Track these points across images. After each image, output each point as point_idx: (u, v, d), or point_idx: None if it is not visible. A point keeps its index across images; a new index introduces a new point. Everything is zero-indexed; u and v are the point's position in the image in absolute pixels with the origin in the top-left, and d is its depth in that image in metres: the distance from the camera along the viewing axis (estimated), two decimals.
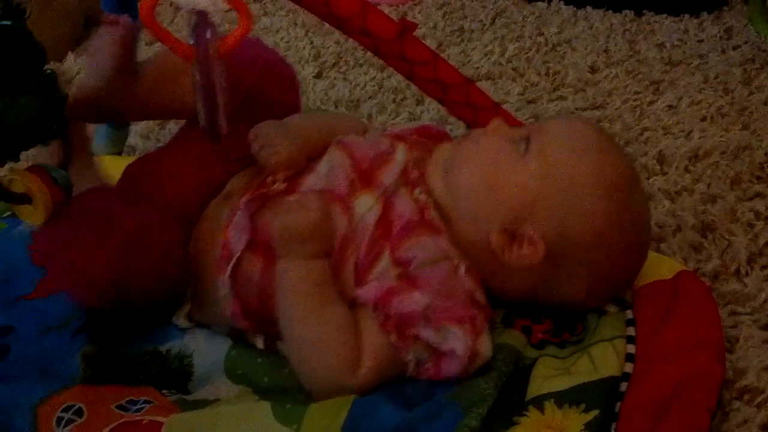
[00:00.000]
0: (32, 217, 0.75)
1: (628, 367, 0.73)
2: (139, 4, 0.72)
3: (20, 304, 0.86)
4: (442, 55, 1.46)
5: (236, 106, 0.79)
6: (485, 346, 0.73)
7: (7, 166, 0.74)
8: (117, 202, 0.82)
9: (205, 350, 0.79)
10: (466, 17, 1.72)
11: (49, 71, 0.73)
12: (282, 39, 1.62)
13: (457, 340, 0.71)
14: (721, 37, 1.54)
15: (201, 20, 0.76)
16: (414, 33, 0.80)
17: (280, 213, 0.76)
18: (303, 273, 0.74)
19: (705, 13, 1.66)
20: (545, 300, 0.79)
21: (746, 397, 0.72)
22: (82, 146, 0.90)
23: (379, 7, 1.66)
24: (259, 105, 0.86)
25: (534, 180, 0.75)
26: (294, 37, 1.62)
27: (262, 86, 0.87)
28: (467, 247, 0.76)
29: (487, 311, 0.76)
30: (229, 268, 0.78)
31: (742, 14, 1.63)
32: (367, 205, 0.77)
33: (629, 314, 0.79)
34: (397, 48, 0.79)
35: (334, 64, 1.49)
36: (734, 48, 1.50)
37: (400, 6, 1.80)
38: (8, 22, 0.67)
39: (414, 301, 0.72)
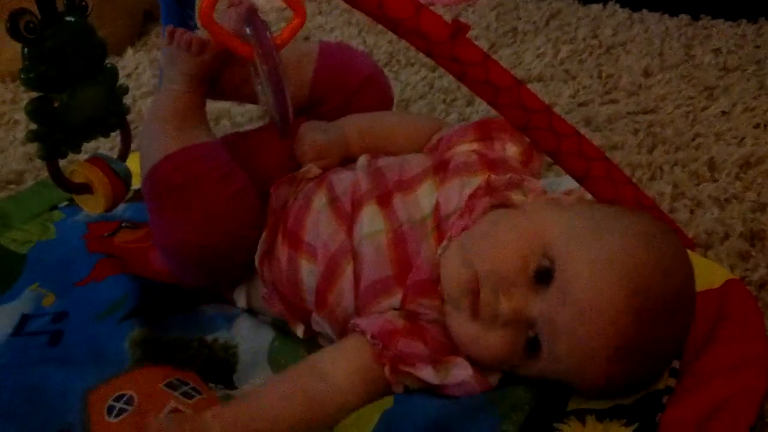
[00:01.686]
0: (92, 206, 0.78)
1: (672, 382, 0.72)
2: (199, 5, 0.75)
3: (75, 290, 0.89)
4: (494, 56, 1.47)
5: (336, 106, 0.86)
6: (494, 376, 0.72)
7: (68, 158, 0.76)
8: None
9: (250, 340, 0.81)
10: (520, 18, 1.72)
11: (110, 65, 0.75)
12: (336, 38, 1.64)
13: (461, 369, 0.71)
14: None
15: (253, 17, 0.78)
16: (467, 34, 0.80)
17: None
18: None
19: (763, 18, 1.62)
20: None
21: None
22: None
23: (432, 7, 1.68)
24: (354, 110, 0.90)
25: (544, 369, 0.70)
26: (347, 36, 1.64)
27: (362, 95, 0.92)
28: None
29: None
30: (257, 255, 0.81)
31: None
32: (371, 226, 0.76)
33: None
34: (449, 49, 0.79)
35: (386, 64, 1.50)
36: None
37: (454, 6, 1.81)
38: (72, 18, 0.70)
39: (416, 347, 0.72)
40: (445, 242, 0.74)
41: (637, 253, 0.67)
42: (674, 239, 0.72)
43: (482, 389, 0.72)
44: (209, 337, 0.81)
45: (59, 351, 0.80)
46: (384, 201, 0.77)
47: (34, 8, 0.67)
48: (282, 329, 0.82)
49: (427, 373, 0.71)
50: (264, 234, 0.81)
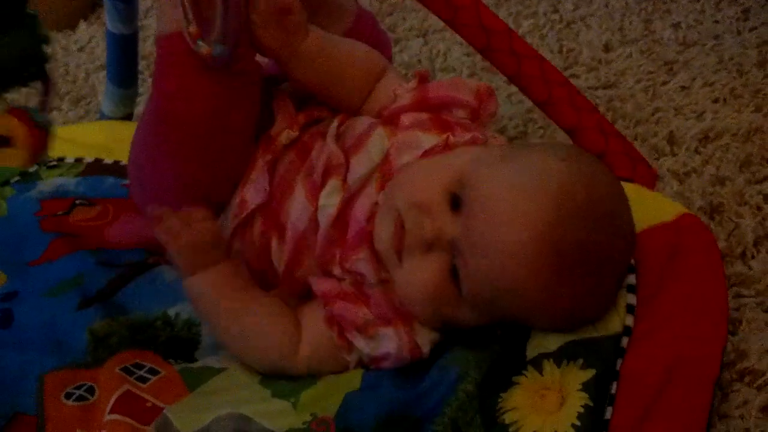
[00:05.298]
0: (13, 160, 0.74)
1: (629, 320, 0.72)
2: None
3: (28, 270, 0.87)
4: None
5: None
6: (425, 337, 0.72)
7: None
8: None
9: None
10: None
11: (32, 11, 0.71)
12: None
13: (388, 342, 0.71)
14: (737, 18, 1.50)
15: None
16: None
17: (172, 236, 0.75)
18: (217, 278, 0.75)
19: None
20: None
21: (747, 378, 0.72)
22: None
23: None
24: None
25: (474, 313, 0.71)
26: None
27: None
28: None
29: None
30: (232, 224, 0.80)
31: None
32: (328, 198, 0.75)
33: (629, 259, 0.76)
34: None
35: None
36: (750, 30, 1.46)
37: None
38: None
39: (356, 313, 0.72)
40: (386, 189, 0.74)
41: (553, 165, 0.69)
42: (596, 159, 0.74)
43: (413, 357, 0.72)
44: (172, 312, 0.81)
45: (12, 333, 0.79)
46: (338, 169, 0.77)
47: None
48: None
49: (358, 341, 0.72)
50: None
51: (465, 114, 0.80)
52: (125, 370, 0.72)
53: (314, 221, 0.76)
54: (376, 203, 0.74)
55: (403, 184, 0.73)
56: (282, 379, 0.74)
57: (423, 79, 0.82)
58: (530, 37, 1.47)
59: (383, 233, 0.72)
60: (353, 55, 0.83)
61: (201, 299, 0.76)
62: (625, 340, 0.70)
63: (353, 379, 0.73)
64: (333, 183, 0.75)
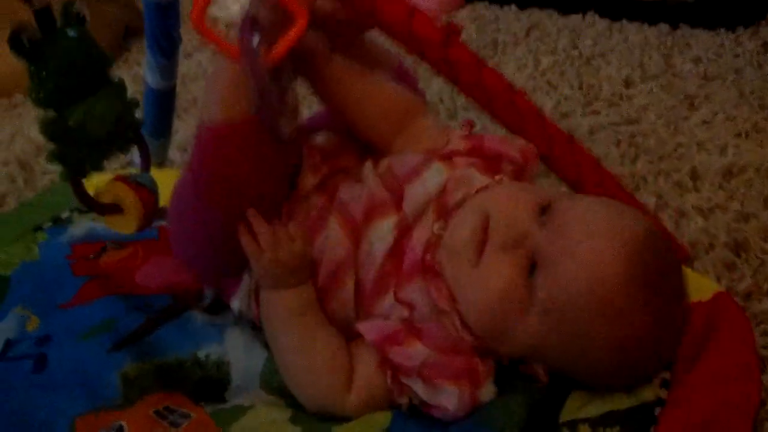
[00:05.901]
0: (124, 226, 0.75)
1: (663, 393, 0.73)
2: (192, 6, 0.72)
3: (59, 313, 0.88)
4: None
5: None
6: (488, 394, 0.72)
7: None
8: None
9: (243, 360, 0.81)
10: (500, 30, 1.72)
11: (117, 78, 0.73)
12: None
13: (448, 399, 0.71)
14: (758, 52, 1.52)
15: (245, 23, 0.75)
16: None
17: (267, 247, 0.76)
18: (290, 302, 0.76)
19: (741, 27, 1.63)
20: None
21: None
22: None
23: None
24: None
25: (538, 331, 0.70)
26: None
27: None
28: None
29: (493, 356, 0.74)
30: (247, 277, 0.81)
31: None
32: (380, 232, 0.76)
33: None
34: (442, 52, 0.80)
35: None
36: None
37: (436, 17, 1.81)
38: (74, 31, 0.68)
39: (412, 354, 0.72)
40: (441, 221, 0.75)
41: (632, 225, 0.71)
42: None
43: (467, 412, 0.71)
44: (202, 353, 0.81)
45: (45, 377, 0.80)
46: (398, 200, 0.77)
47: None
48: None
49: (416, 385, 0.71)
50: None
51: (512, 169, 0.82)
52: (157, 413, 0.73)
53: (350, 256, 0.76)
54: (434, 234, 0.75)
55: (490, 195, 0.75)
56: (312, 419, 0.75)
57: (470, 126, 0.83)
58: (551, 73, 1.49)
59: (464, 230, 0.73)
60: (385, 84, 0.84)
61: (271, 317, 0.77)
62: (658, 410, 0.71)
63: (383, 419, 0.73)
64: (388, 220, 0.76)
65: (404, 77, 0.91)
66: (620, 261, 0.68)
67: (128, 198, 0.74)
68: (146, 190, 0.76)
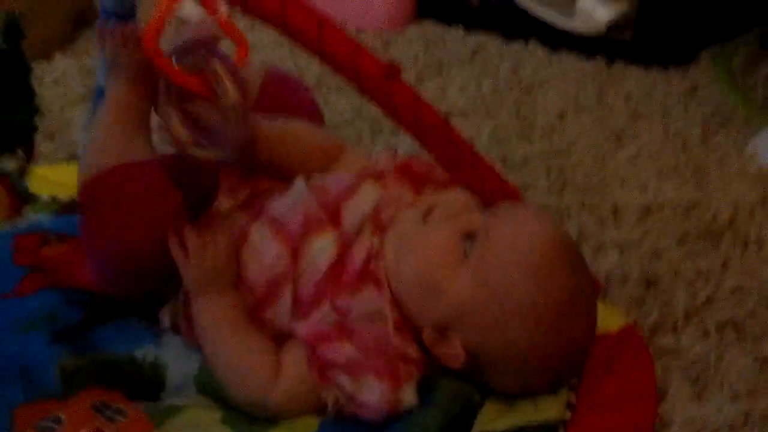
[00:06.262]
0: None
1: (567, 415, 0.79)
2: (143, 31, 0.76)
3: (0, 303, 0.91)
4: (420, 87, 1.53)
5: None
6: (408, 394, 0.77)
7: None
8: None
9: (179, 364, 0.85)
10: (446, 50, 1.76)
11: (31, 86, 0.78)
12: (267, 57, 1.66)
13: (371, 393, 0.76)
14: (685, 94, 1.59)
15: (214, 48, 0.80)
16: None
17: (196, 251, 0.81)
18: (218, 305, 0.82)
19: (674, 66, 1.69)
20: (476, 380, 0.81)
21: None
22: None
23: (363, 33, 1.72)
24: None
25: (467, 290, 0.78)
26: (278, 57, 1.66)
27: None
28: (404, 310, 0.81)
29: (421, 363, 0.80)
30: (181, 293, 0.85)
31: (708, 71, 1.69)
32: (320, 246, 0.82)
33: None
34: (383, 88, 0.85)
35: (314, 85, 1.53)
36: (697, 105, 1.54)
37: (385, 32, 1.85)
38: (5, 46, 0.73)
39: (340, 351, 0.78)
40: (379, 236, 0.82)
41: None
42: None
43: (390, 410, 0.77)
44: (139, 353, 0.85)
45: None
46: (334, 217, 0.83)
47: None
48: None
49: (341, 379, 0.77)
50: None
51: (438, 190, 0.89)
52: (94, 408, 0.77)
53: (290, 270, 0.81)
54: (373, 247, 0.81)
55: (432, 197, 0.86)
56: (243, 420, 0.80)
57: (395, 152, 0.91)
58: (491, 98, 1.53)
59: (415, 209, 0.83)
60: (306, 132, 0.93)
61: (202, 321, 0.82)
62: (560, 429, 0.78)
63: (309, 426, 0.78)
64: (325, 235, 0.82)
65: (313, 113, 0.99)
66: (548, 237, 0.79)
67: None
68: (17, 192, 0.88)
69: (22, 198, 0.83)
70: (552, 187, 1.24)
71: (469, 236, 0.79)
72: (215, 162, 0.86)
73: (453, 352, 0.79)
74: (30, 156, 0.84)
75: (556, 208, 1.17)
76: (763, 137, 1.37)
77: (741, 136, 1.41)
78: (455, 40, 1.83)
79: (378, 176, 0.88)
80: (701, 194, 1.23)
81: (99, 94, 1.14)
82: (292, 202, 0.85)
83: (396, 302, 0.80)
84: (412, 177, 0.89)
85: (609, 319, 0.91)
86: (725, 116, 1.50)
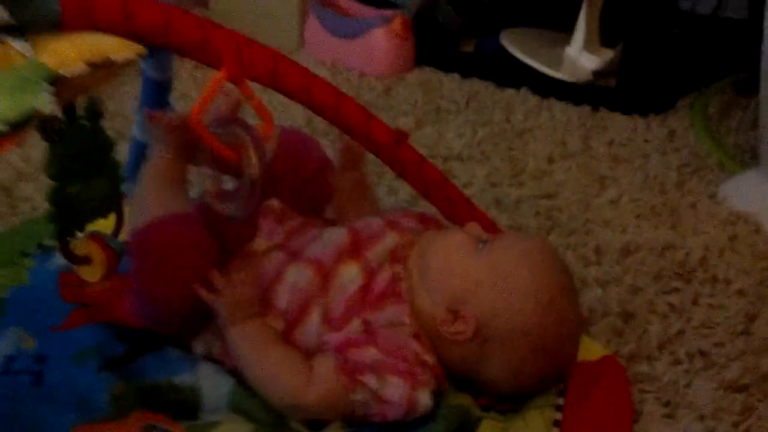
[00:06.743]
0: (90, 274, 0.93)
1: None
2: (192, 111, 0.86)
3: (52, 335, 1.02)
4: (419, 132, 1.66)
5: (285, 190, 1.05)
6: (424, 397, 0.89)
7: None
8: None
9: (213, 386, 0.96)
10: (443, 97, 1.89)
11: (115, 160, 0.91)
12: (279, 101, 1.77)
13: (394, 389, 0.88)
14: (664, 140, 1.70)
15: (245, 125, 0.92)
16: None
17: (225, 290, 0.94)
18: (249, 330, 0.94)
19: (653, 114, 1.81)
20: (475, 375, 0.94)
21: None
22: None
23: (365, 78, 1.85)
24: (302, 196, 1.09)
25: (479, 272, 0.92)
26: (287, 101, 1.77)
27: (312, 183, 1.10)
28: (422, 317, 0.93)
29: (437, 370, 0.92)
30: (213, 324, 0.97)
31: (686, 118, 1.81)
32: (348, 273, 0.95)
33: (561, 386, 0.97)
34: (394, 152, 0.99)
35: (324, 133, 1.61)
36: (675, 150, 1.65)
37: (386, 78, 1.99)
38: (88, 123, 0.85)
39: (367, 354, 0.90)
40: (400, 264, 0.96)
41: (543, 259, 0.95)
42: None
43: (408, 413, 0.89)
44: (177, 379, 0.96)
45: (44, 390, 0.93)
46: (361, 252, 0.96)
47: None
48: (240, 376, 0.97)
49: (368, 379, 0.88)
50: None
51: None
52: (146, 428, 0.88)
53: (318, 293, 0.94)
54: (396, 273, 0.95)
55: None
56: None
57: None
58: (485, 144, 1.66)
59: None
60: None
61: (238, 346, 0.94)
62: None
63: None
64: (352, 264, 0.96)
65: (324, 164, 1.13)
66: (545, 245, 0.97)
67: (98, 255, 0.97)
68: (113, 251, 0.97)
69: (118, 256, 0.95)
70: (541, 228, 1.36)
71: (482, 242, 0.95)
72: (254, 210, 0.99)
73: (462, 328, 0.91)
74: (121, 220, 0.96)
75: None
76: (733, 183, 1.50)
77: (714, 181, 1.53)
78: (452, 86, 1.96)
79: (395, 226, 1.01)
80: (676, 235, 1.35)
81: (136, 145, 1.27)
82: (329, 240, 0.99)
83: (415, 315, 0.93)
84: (423, 220, 1.04)
85: (591, 348, 1.03)
86: (700, 162, 1.62)
